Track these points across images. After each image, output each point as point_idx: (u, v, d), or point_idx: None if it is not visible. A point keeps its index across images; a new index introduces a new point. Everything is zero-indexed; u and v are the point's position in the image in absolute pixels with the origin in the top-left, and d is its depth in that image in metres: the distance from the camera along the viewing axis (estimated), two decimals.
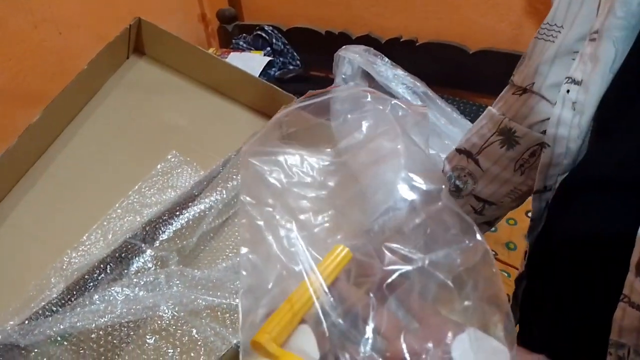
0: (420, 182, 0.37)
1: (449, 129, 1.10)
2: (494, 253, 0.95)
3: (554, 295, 0.48)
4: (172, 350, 0.77)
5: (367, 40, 1.48)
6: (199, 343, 0.77)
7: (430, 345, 0.32)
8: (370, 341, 0.32)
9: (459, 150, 0.63)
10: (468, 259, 0.35)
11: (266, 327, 0.35)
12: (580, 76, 0.46)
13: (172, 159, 1.15)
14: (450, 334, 0.33)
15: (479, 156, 0.60)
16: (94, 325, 0.75)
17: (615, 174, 0.41)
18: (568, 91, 0.46)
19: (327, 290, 0.34)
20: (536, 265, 0.53)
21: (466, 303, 0.36)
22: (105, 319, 0.76)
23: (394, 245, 0.35)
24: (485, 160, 0.60)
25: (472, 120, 1.26)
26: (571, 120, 0.45)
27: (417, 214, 0.37)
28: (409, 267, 0.35)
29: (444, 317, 0.36)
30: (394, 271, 0.35)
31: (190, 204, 0.98)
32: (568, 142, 0.46)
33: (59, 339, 0.75)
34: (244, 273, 0.38)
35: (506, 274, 0.91)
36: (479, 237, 0.35)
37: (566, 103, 0.46)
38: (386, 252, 0.36)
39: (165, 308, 0.78)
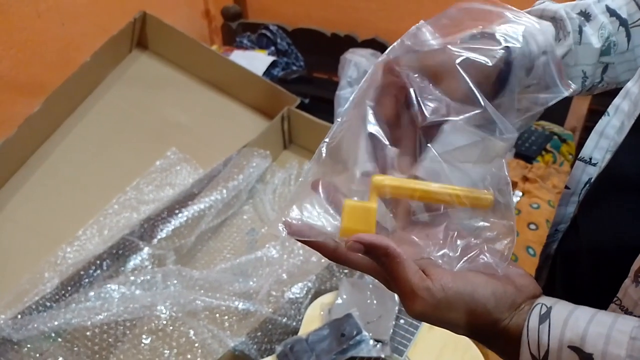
0: None
1: None
2: None
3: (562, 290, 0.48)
4: (168, 351, 0.75)
5: (373, 44, 1.47)
6: (196, 345, 0.76)
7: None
8: None
9: None
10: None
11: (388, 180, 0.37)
12: None
13: (172, 156, 1.14)
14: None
15: None
16: (89, 322, 0.74)
17: (638, 176, 0.40)
18: None
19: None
20: (561, 271, 0.52)
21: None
22: (101, 317, 0.75)
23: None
24: None
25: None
26: (635, 96, 0.45)
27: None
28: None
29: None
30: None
31: (189, 202, 0.97)
32: (626, 119, 0.45)
33: (52, 335, 0.74)
34: None
35: None
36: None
37: (639, 79, 0.45)
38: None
39: (162, 308, 0.77)
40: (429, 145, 0.39)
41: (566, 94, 0.39)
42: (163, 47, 1.25)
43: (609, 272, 0.39)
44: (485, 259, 0.36)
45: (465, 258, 0.36)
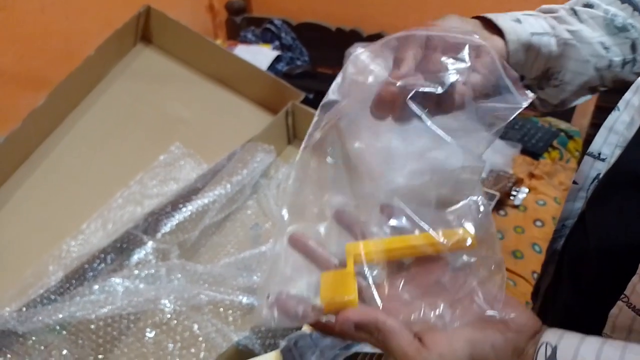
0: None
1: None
2: None
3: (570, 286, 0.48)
4: (172, 345, 0.75)
5: (378, 39, 1.46)
6: (200, 339, 0.76)
7: None
8: None
9: None
10: None
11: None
12: None
13: (175, 151, 1.14)
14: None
15: None
16: (93, 315, 0.74)
17: None
18: None
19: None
20: (568, 267, 0.51)
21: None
22: (105, 310, 0.75)
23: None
24: None
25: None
26: None
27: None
28: None
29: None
30: None
31: (193, 197, 0.97)
32: (636, 114, 0.44)
33: (57, 327, 0.74)
34: None
35: (512, 283, 0.90)
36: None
37: None
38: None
39: (166, 302, 0.77)
40: (396, 197, 0.38)
41: (524, 104, 0.38)
42: (167, 41, 1.25)
43: (617, 268, 0.38)
44: (479, 305, 0.34)
45: (458, 311, 0.34)
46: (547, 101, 0.55)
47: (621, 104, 0.47)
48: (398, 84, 0.37)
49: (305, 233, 0.38)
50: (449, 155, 0.38)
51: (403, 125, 0.38)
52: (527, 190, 1.08)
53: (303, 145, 0.39)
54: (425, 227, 0.36)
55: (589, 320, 0.41)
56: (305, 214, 0.39)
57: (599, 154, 0.48)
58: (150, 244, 0.88)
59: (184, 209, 0.94)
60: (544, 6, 0.54)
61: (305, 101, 1.22)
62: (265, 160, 1.08)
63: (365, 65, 0.40)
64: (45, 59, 1.26)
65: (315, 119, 0.40)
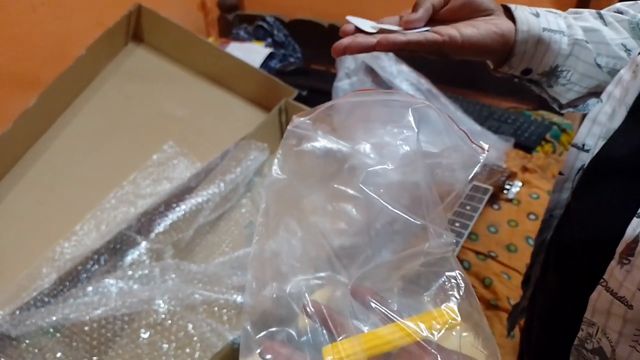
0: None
1: None
2: (494, 255, 0.94)
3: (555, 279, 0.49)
4: (167, 345, 0.75)
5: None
6: (195, 339, 0.76)
7: None
8: None
9: None
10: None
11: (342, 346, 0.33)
12: None
13: (169, 150, 1.13)
14: None
15: None
16: (87, 317, 0.74)
17: (629, 159, 0.41)
18: (639, 53, 0.45)
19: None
20: (554, 256, 0.52)
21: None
22: (99, 312, 0.74)
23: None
24: None
25: (476, 119, 1.25)
26: (627, 82, 0.45)
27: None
28: None
29: None
30: None
31: (187, 196, 0.96)
32: (617, 105, 0.45)
33: (51, 330, 0.73)
34: None
35: (506, 276, 0.90)
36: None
37: (631, 66, 0.45)
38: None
39: (160, 302, 0.76)
40: (368, 290, 0.36)
41: (482, 158, 0.37)
42: (159, 39, 1.24)
43: (598, 255, 0.39)
44: None
45: None
46: (557, 100, 0.56)
47: (604, 96, 0.48)
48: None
49: (275, 338, 0.36)
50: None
51: None
52: (520, 184, 1.08)
53: (255, 238, 0.38)
54: (408, 324, 0.34)
55: (573, 306, 0.42)
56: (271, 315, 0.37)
57: (583, 145, 0.48)
58: (144, 244, 0.87)
59: (177, 209, 0.94)
60: (572, 9, 0.56)
61: (299, 98, 1.22)
62: (259, 158, 1.08)
63: (304, 134, 0.38)
64: (37, 59, 1.25)
65: (263, 205, 0.38)
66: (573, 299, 0.43)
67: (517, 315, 0.67)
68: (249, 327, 0.36)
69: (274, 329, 0.36)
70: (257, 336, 0.36)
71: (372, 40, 0.49)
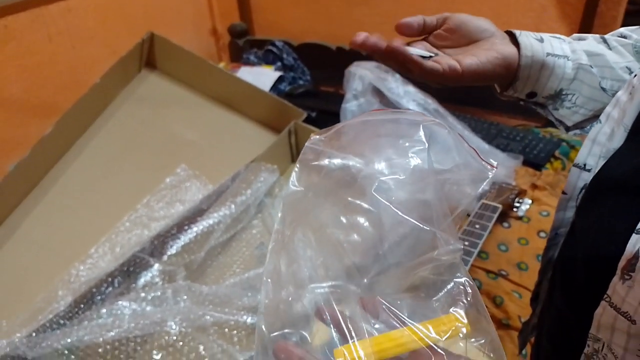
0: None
1: None
2: (505, 273, 0.94)
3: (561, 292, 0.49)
4: None
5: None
6: None
7: None
8: None
9: None
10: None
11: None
12: None
13: (181, 173, 1.15)
14: None
15: None
16: (101, 339, 0.75)
17: (629, 177, 0.41)
18: (635, 75, 0.46)
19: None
20: (560, 274, 0.52)
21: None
22: (113, 333, 0.76)
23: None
24: None
25: (484, 138, 1.26)
26: (624, 104, 0.46)
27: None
28: None
29: None
30: None
31: (198, 218, 0.98)
32: (616, 126, 0.46)
33: (66, 352, 0.75)
34: None
35: (517, 295, 0.90)
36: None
37: (628, 88, 0.46)
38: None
39: (172, 323, 0.77)
40: (378, 298, 0.36)
41: (491, 174, 0.39)
42: (171, 66, 1.27)
43: (601, 271, 0.40)
44: None
45: None
46: (563, 122, 0.57)
47: (603, 116, 0.48)
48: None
49: (288, 340, 0.37)
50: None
51: None
52: (530, 201, 1.08)
53: (271, 245, 0.39)
54: (417, 325, 0.34)
55: (579, 322, 0.42)
56: (285, 313, 0.38)
57: (584, 164, 0.49)
58: (156, 266, 0.89)
59: (189, 231, 0.95)
60: (576, 34, 0.58)
61: (308, 120, 1.24)
62: (269, 180, 1.09)
63: (321, 149, 0.40)
64: (53, 87, 1.29)
65: (279, 214, 0.40)
66: (579, 315, 0.43)
67: (527, 333, 0.67)
68: (263, 327, 0.36)
69: (287, 330, 0.37)
70: (272, 334, 0.36)
71: (383, 43, 0.53)
